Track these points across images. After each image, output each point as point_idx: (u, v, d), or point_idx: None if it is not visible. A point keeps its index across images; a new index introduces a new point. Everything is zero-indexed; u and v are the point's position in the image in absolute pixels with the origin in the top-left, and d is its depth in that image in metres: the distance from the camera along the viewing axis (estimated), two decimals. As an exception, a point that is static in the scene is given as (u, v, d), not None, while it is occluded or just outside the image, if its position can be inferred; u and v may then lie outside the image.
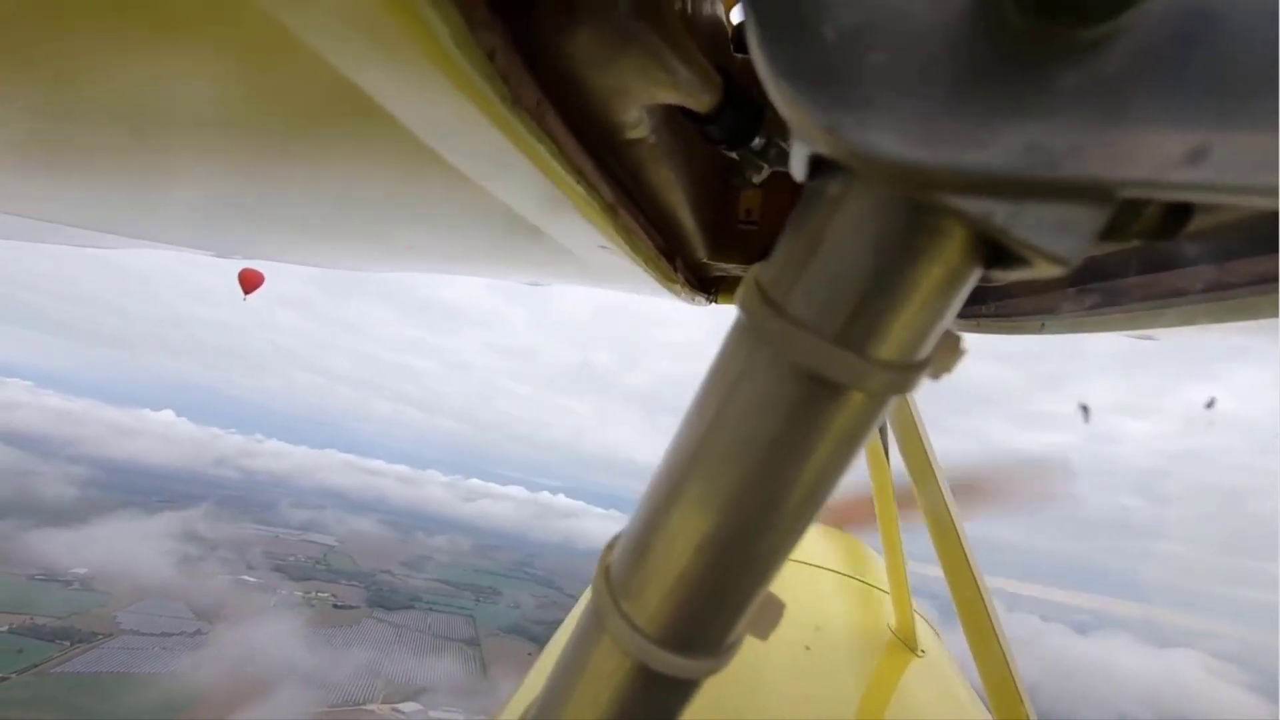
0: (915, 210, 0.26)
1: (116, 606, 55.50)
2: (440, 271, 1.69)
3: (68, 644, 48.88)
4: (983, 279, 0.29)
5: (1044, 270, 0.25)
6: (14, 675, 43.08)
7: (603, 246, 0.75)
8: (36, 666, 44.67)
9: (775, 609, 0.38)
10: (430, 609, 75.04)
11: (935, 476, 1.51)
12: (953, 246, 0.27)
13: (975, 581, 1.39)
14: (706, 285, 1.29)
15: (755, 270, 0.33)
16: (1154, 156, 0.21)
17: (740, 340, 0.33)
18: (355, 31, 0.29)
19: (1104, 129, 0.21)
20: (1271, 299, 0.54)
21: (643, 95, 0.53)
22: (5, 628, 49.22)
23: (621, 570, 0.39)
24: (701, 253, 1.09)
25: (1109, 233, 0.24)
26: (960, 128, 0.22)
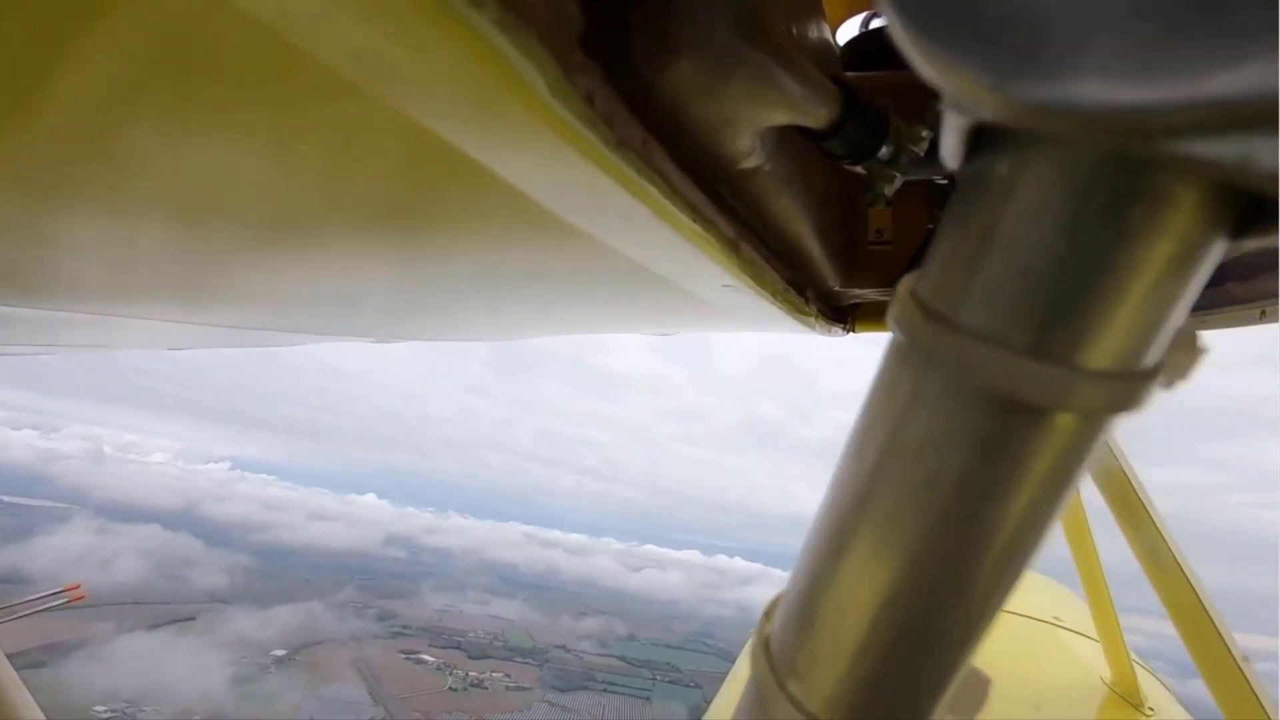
0: (1123, 176, 0.20)
1: (303, 693, 57.19)
2: (571, 332, 1.62)
3: (255, 735, 50.57)
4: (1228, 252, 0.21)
5: None
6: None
7: (727, 285, 0.70)
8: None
9: (981, 685, 0.27)
10: (605, 689, 71.11)
11: (1146, 508, 1.34)
12: (1182, 215, 0.20)
13: (1218, 634, 1.24)
14: (841, 315, 1.19)
15: (908, 283, 0.27)
16: None
17: (902, 364, 0.27)
18: (453, 94, 0.27)
19: None
20: None
21: (755, 120, 0.48)
22: (198, 718, 51.97)
23: (785, 643, 0.32)
24: (833, 281, 1.00)
25: None
26: (1191, 53, 0.15)
